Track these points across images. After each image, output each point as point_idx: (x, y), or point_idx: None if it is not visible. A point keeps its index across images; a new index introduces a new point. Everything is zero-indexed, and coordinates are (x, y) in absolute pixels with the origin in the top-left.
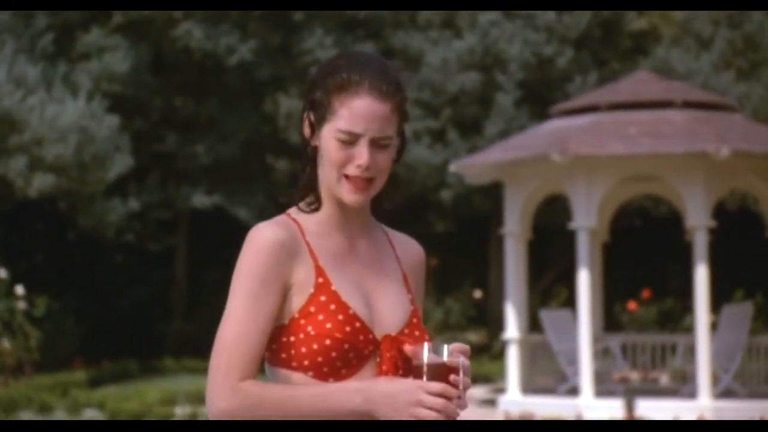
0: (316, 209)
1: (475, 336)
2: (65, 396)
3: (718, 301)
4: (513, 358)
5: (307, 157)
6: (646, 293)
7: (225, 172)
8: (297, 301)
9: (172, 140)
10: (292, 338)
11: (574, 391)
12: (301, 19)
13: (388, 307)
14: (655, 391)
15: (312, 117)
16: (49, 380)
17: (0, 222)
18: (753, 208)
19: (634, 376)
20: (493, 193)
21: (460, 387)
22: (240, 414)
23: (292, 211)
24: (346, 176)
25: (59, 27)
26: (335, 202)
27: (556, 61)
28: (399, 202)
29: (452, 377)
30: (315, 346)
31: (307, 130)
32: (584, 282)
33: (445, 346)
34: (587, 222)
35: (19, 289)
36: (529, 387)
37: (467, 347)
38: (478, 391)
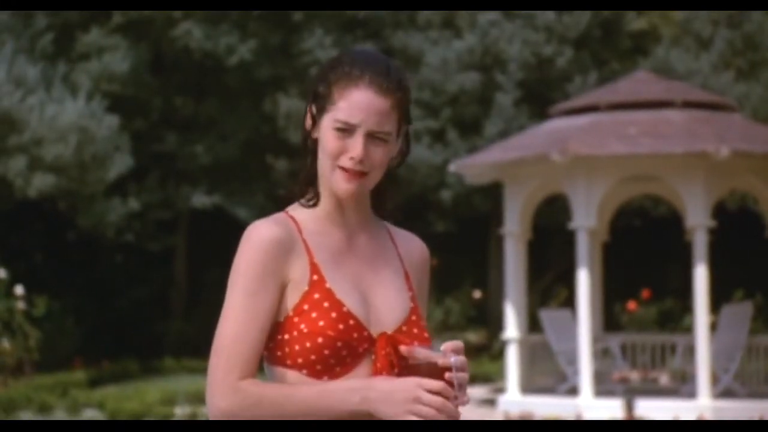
0: (315, 205)
1: (475, 336)
2: (65, 396)
3: (717, 301)
4: (513, 358)
5: (307, 149)
6: (645, 293)
7: (225, 172)
8: (292, 299)
9: (172, 140)
10: (287, 336)
11: (573, 391)
12: (301, 19)
13: (387, 304)
14: (654, 391)
15: (314, 109)
16: (48, 380)
17: None
18: (753, 208)
19: (634, 376)
20: (492, 193)
21: (456, 386)
22: (240, 413)
23: (291, 207)
24: (340, 167)
25: (59, 27)
26: (334, 198)
27: (555, 61)
28: (399, 201)
29: (448, 375)
30: (308, 344)
31: (308, 122)
32: (584, 282)
33: (441, 346)
34: (587, 222)
35: (19, 289)
36: (529, 387)
37: (461, 344)
38: (477, 391)
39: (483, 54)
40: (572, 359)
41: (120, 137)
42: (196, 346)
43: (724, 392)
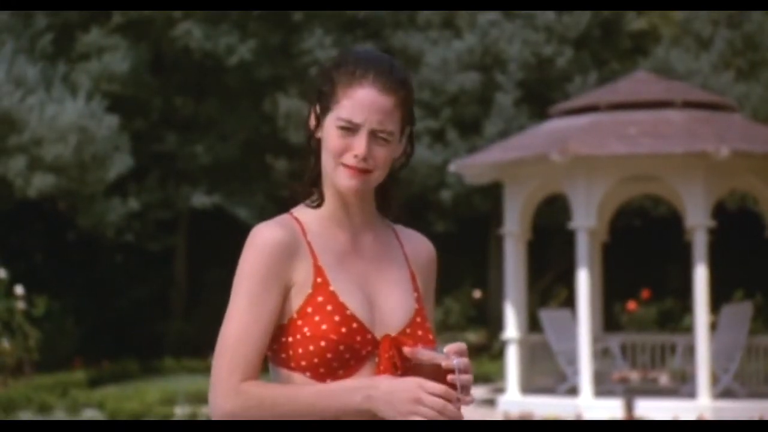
0: (319, 206)
1: (475, 336)
2: (65, 396)
3: (717, 301)
4: (512, 358)
5: (310, 150)
6: (645, 293)
7: (225, 172)
8: (296, 302)
9: (172, 140)
10: (290, 339)
11: (573, 391)
12: (301, 19)
13: (391, 305)
14: (654, 391)
15: (318, 109)
16: (48, 380)
17: None
18: (752, 208)
19: (634, 376)
20: (492, 193)
21: (458, 388)
22: (243, 415)
23: (296, 209)
24: (344, 165)
25: (59, 27)
26: (338, 198)
27: (555, 61)
28: (401, 202)
29: (450, 377)
30: (311, 348)
31: (312, 122)
32: (584, 282)
33: (444, 348)
34: (587, 222)
35: (19, 289)
36: (529, 387)
37: (464, 345)
38: (477, 391)
39: (483, 54)
40: (572, 359)
41: (120, 137)
42: (196, 346)
43: (723, 392)
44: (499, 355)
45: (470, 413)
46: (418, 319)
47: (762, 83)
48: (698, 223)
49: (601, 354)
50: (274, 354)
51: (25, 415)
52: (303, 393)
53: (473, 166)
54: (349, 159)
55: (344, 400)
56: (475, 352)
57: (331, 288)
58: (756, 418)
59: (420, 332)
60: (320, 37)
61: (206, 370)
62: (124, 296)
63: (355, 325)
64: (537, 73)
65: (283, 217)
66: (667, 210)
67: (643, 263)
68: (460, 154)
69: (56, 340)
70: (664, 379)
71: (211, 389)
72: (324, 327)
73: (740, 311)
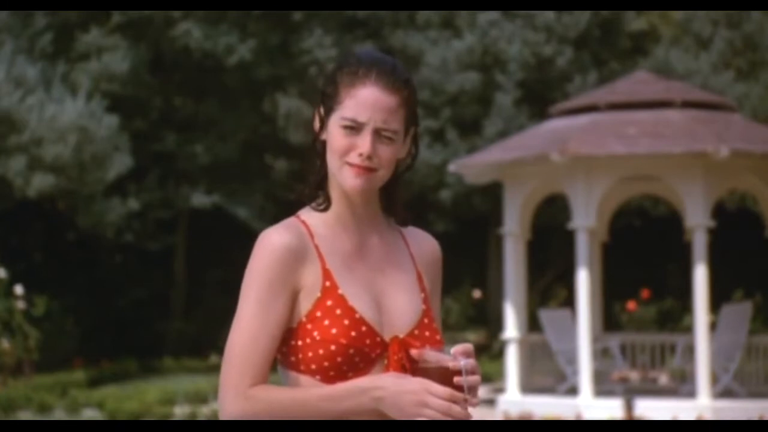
0: (325, 209)
1: (475, 336)
2: (64, 396)
3: (717, 301)
4: (512, 358)
5: (315, 152)
6: (645, 293)
7: (224, 172)
8: (305, 306)
9: (172, 140)
10: (300, 342)
11: (573, 391)
12: (301, 18)
13: (399, 307)
14: (654, 390)
15: (322, 111)
16: (48, 380)
17: None
18: (752, 208)
19: (634, 375)
20: (492, 193)
21: (465, 389)
22: (252, 418)
23: (303, 212)
24: (348, 164)
25: (58, 27)
26: (344, 200)
27: (555, 61)
28: (404, 203)
29: (456, 379)
30: (321, 351)
31: (317, 124)
32: (583, 282)
33: (451, 349)
34: (586, 222)
35: (19, 289)
36: (529, 387)
37: (470, 346)
38: (478, 391)
39: (483, 54)
40: (572, 359)
41: (119, 137)
42: (196, 346)
43: (723, 392)
44: (498, 355)
45: (470, 413)
46: (426, 320)
47: (762, 83)
48: (698, 223)
49: (600, 354)
50: (284, 357)
51: (25, 415)
52: (311, 396)
53: (473, 166)
54: (354, 158)
55: (352, 402)
56: (474, 352)
57: (340, 291)
58: (756, 417)
59: (427, 333)
60: (320, 37)
61: (206, 370)
62: (123, 296)
63: (364, 328)
64: (537, 73)
65: (291, 221)
66: (666, 210)
67: (643, 263)
68: (459, 154)
69: (56, 340)
70: (663, 378)
71: (219, 394)
72: (334, 331)
73: (740, 311)
